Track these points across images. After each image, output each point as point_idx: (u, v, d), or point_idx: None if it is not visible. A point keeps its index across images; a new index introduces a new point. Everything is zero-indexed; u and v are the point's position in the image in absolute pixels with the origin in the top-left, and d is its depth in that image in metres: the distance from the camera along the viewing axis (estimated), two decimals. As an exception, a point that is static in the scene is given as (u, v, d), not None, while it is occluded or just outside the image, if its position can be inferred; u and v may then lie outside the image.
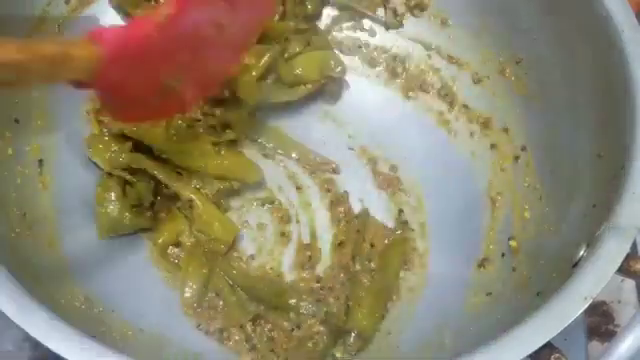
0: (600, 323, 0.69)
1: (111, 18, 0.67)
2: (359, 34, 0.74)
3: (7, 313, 0.41)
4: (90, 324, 0.52)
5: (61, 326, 0.41)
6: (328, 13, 0.74)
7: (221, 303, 0.60)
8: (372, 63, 0.74)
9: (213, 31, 0.54)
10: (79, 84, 0.46)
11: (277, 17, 0.68)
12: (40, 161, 0.60)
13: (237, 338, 0.59)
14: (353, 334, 0.59)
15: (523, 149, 0.66)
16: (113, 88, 0.48)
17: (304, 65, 0.68)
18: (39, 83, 0.55)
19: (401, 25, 0.73)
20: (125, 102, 0.52)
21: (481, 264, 0.62)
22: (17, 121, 0.59)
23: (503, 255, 0.62)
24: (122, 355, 0.40)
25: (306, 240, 0.65)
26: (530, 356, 0.43)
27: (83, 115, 0.65)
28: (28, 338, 0.41)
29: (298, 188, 0.68)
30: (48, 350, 0.40)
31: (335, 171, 0.69)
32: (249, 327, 0.59)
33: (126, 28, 0.50)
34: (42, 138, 0.61)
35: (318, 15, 0.73)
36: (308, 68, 0.68)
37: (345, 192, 0.68)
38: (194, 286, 0.60)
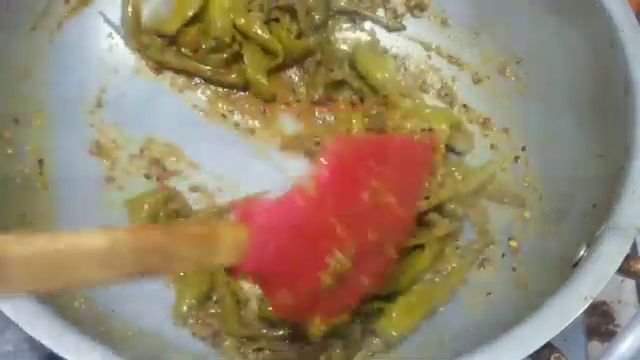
0: (600, 323, 0.69)
1: (111, 19, 0.68)
2: (359, 34, 0.74)
3: (7, 313, 0.41)
4: (90, 324, 0.52)
5: (61, 326, 0.41)
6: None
7: (219, 311, 0.59)
8: (372, 63, 0.74)
9: (369, 197, 0.45)
10: (232, 268, 0.42)
11: (293, 35, 0.69)
12: (40, 161, 0.60)
13: (228, 344, 0.58)
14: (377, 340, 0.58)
15: (523, 149, 0.66)
16: (266, 269, 0.42)
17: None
18: (185, 270, 0.51)
19: (403, 28, 0.73)
20: (285, 286, 0.45)
21: (481, 264, 0.62)
22: (17, 121, 0.58)
23: (503, 255, 0.62)
24: (122, 355, 0.40)
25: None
26: (530, 356, 0.43)
27: (83, 115, 0.65)
28: (28, 339, 0.41)
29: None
30: (48, 350, 0.40)
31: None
32: (251, 355, 0.57)
33: (275, 204, 0.43)
34: (42, 138, 0.60)
35: (325, 24, 0.72)
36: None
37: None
38: (192, 301, 0.59)
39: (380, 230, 0.46)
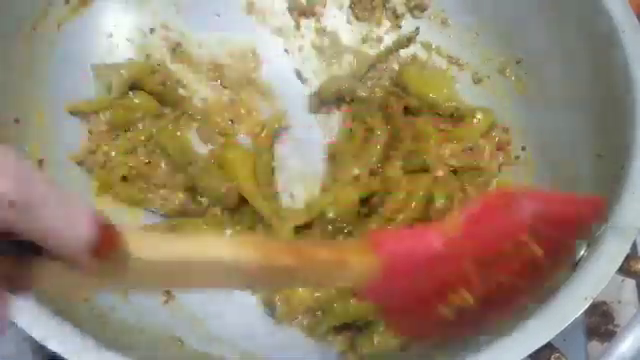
0: (600, 323, 0.69)
1: (111, 19, 0.68)
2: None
3: (7, 314, 0.41)
4: (90, 324, 0.52)
5: (61, 326, 0.41)
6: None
7: None
8: (372, 63, 0.74)
9: (512, 248, 0.41)
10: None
11: None
12: (40, 161, 0.60)
13: None
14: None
15: (523, 149, 0.66)
16: (388, 297, 0.41)
17: None
18: (305, 287, 0.53)
19: (417, 33, 0.73)
20: (403, 313, 0.43)
21: (481, 264, 0.62)
22: (17, 121, 0.58)
23: (503, 255, 0.62)
24: (122, 355, 0.40)
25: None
26: (530, 356, 0.43)
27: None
28: (28, 338, 0.41)
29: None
30: (49, 351, 0.40)
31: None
32: None
33: (409, 238, 0.41)
34: (42, 138, 0.61)
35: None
36: None
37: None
38: None
39: (517, 277, 0.42)
